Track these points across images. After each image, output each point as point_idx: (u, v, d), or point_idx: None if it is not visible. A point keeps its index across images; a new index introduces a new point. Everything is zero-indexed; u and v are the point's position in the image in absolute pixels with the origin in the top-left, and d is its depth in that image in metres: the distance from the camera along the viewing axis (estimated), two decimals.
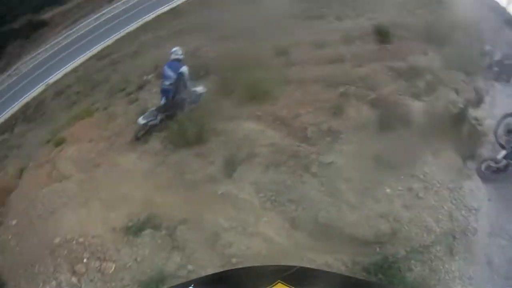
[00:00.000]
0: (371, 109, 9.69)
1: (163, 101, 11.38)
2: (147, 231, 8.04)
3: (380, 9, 23.24)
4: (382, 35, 14.08)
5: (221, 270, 7.08)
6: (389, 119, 9.20)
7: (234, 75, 11.89)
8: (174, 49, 11.24)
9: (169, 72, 10.95)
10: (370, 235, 7.28)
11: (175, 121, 10.51)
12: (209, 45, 18.88)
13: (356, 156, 8.45)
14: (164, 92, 11.20)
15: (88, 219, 8.80)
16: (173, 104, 11.27)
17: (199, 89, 11.37)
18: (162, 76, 11.24)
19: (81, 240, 8.18)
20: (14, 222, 10.05)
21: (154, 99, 13.54)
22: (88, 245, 8.05)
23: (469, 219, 7.84)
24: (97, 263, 7.70)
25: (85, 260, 7.80)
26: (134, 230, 8.12)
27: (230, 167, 8.78)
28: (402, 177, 8.09)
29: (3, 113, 27.06)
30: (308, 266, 6.90)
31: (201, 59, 15.04)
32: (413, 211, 7.62)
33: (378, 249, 7.28)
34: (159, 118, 11.25)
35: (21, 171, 14.48)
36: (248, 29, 20.25)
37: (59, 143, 14.19)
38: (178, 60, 11.01)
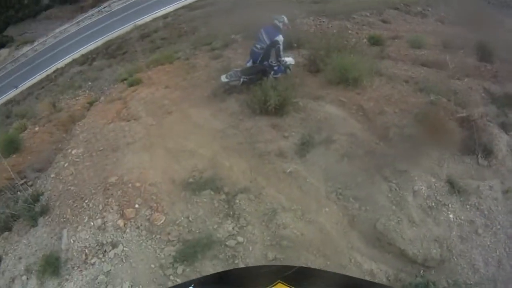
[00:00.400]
0: (457, 127, 9.30)
1: (249, 63, 11.33)
2: (206, 192, 8.02)
3: (486, 23, 22.32)
4: (485, 52, 13.40)
5: (270, 247, 7.20)
6: (472, 144, 8.82)
7: (326, 54, 11.60)
8: (279, 16, 10.89)
9: (264, 36, 10.75)
10: (420, 256, 7.08)
11: (258, 86, 10.26)
12: (305, 18, 18.71)
13: (430, 172, 8.16)
14: (253, 54, 11.06)
15: (149, 165, 8.94)
16: (259, 68, 11.15)
17: (289, 59, 11.13)
18: (256, 38, 11.03)
19: (137, 184, 8.33)
20: (74, 151, 10.37)
21: (238, 60, 13.67)
22: (143, 191, 8.19)
23: None
24: (148, 212, 7.82)
25: (136, 206, 7.94)
26: (194, 187, 8.12)
27: (305, 147, 8.63)
28: (468, 207, 7.81)
29: (87, 45, 28.19)
30: (354, 269, 6.90)
31: (295, 30, 14.86)
32: (468, 245, 7.37)
33: (422, 272, 7.11)
34: (242, 80, 11.17)
35: (91, 103, 15.20)
36: (348, 11, 19.99)
37: (135, 83, 14.45)
38: (277, 28, 10.73)
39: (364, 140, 8.81)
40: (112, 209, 7.92)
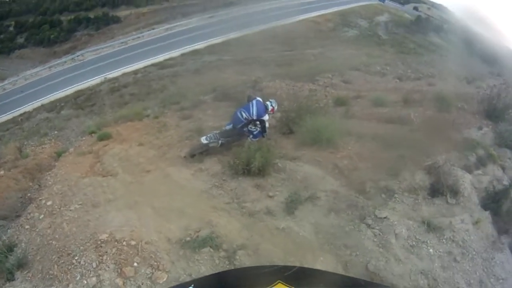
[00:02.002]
0: (425, 175, 10.13)
1: (229, 127, 11.85)
2: (206, 249, 8.02)
3: (439, 75, 23.82)
4: (442, 103, 14.61)
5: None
6: (440, 187, 9.67)
7: (298, 116, 12.31)
8: (274, 100, 11.91)
9: (253, 110, 11.33)
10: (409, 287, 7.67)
11: (240, 148, 10.78)
12: (271, 80, 19.58)
13: (406, 216, 8.92)
14: (236, 120, 11.52)
15: (139, 223, 8.85)
16: (237, 132, 11.74)
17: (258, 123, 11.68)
18: (244, 106, 11.55)
19: (133, 243, 8.19)
20: (49, 203, 10.16)
21: (209, 121, 14.24)
22: (140, 250, 8.05)
23: (496, 287, 8.32)
24: (149, 270, 7.67)
25: (135, 264, 7.76)
26: (193, 245, 8.13)
27: (293, 204, 9.08)
28: (444, 241, 8.56)
29: (56, 93, 28.15)
30: None
31: (263, 93, 15.65)
32: (450, 272, 8.04)
33: None
34: (220, 142, 11.68)
35: (59, 154, 15.02)
36: (311, 74, 21.01)
37: (105, 137, 14.59)
38: (266, 108, 11.55)
39: (345, 195, 9.44)
40: (108, 267, 7.69)
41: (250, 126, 11.63)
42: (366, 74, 22.43)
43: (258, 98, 11.70)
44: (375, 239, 8.32)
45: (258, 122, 11.54)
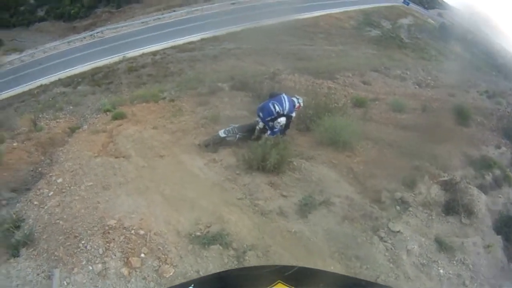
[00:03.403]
0: (441, 190, 10.02)
1: (250, 122, 11.77)
2: (215, 246, 7.85)
3: (459, 85, 23.53)
4: (462, 116, 14.38)
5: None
6: (455, 205, 9.56)
7: (316, 114, 12.25)
8: (299, 97, 11.68)
9: (286, 105, 11.14)
10: None
11: (256, 143, 10.65)
12: (290, 74, 19.40)
13: (419, 232, 8.78)
14: (267, 111, 11.28)
15: (148, 211, 8.67)
16: (254, 127, 11.66)
17: (282, 119, 11.47)
18: (278, 100, 11.29)
19: (141, 232, 8.02)
20: (59, 180, 10.01)
21: (226, 110, 14.11)
22: (148, 240, 7.86)
23: None
24: (156, 263, 7.47)
25: (142, 255, 7.55)
26: (202, 241, 7.93)
27: (306, 208, 8.93)
28: (455, 262, 8.43)
29: (73, 68, 28.05)
30: None
31: (281, 85, 15.48)
32: None
33: None
34: (238, 136, 11.59)
35: (73, 129, 15.08)
36: (331, 71, 20.81)
37: (119, 117, 14.46)
38: (294, 104, 11.34)
39: (360, 203, 9.29)
40: (115, 255, 7.49)
41: (275, 122, 11.36)
42: (386, 77, 22.23)
43: (284, 95, 11.49)
44: (386, 253, 8.20)
45: (280, 120, 11.30)
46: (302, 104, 11.56)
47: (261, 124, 11.53)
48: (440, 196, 9.89)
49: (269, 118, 11.21)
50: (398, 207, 9.40)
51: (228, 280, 4.09)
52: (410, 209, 9.39)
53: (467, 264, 8.49)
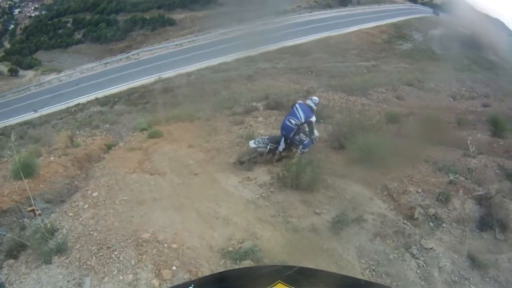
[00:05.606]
0: (475, 205, 9.84)
1: (282, 140, 11.87)
2: (247, 262, 7.77)
3: (494, 95, 23.17)
4: (497, 127, 14.21)
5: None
6: (489, 220, 9.36)
7: (350, 131, 12.28)
8: (315, 97, 11.82)
9: (300, 114, 11.40)
10: None
11: (290, 161, 10.80)
12: (324, 91, 19.54)
13: (452, 248, 8.67)
14: (286, 129, 11.57)
15: (182, 226, 8.80)
16: (287, 141, 11.77)
17: (315, 132, 11.77)
18: (291, 113, 11.62)
19: (174, 246, 8.12)
20: (95, 194, 10.33)
21: (260, 129, 14.37)
22: (181, 254, 7.94)
23: None
24: (187, 276, 7.48)
25: (174, 268, 7.62)
26: (234, 256, 7.90)
27: (339, 225, 8.95)
28: (487, 279, 8.20)
29: (110, 88, 29.09)
30: None
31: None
32: None
33: None
34: (268, 147, 11.79)
35: (109, 146, 15.66)
36: (364, 87, 20.83)
37: (155, 135, 14.88)
38: (311, 108, 11.55)
39: (393, 219, 9.29)
40: (146, 267, 7.65)
41: (301, 135, 11.65)
42: (420, 91, 22.13)
43: (300, 101, 11.77)
44: (418, 271, 8.13)
45: (312, 136, 11.64)
46: (319, 101, 11.88)
47: (280, 148, 11.82)
48: (475, 211, 9.69)
49: (292, 134, 11.53)
50: (431, 224, 9.30)
51: (228, 280, 4.08)
52: (444, 225, 9.28)
53: (500, 282, 8.21)
